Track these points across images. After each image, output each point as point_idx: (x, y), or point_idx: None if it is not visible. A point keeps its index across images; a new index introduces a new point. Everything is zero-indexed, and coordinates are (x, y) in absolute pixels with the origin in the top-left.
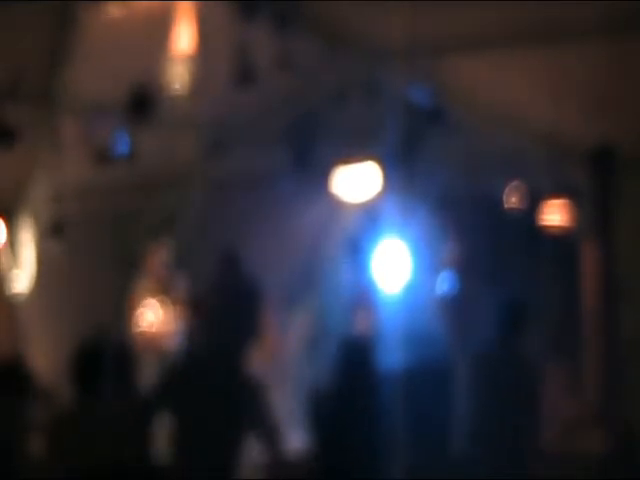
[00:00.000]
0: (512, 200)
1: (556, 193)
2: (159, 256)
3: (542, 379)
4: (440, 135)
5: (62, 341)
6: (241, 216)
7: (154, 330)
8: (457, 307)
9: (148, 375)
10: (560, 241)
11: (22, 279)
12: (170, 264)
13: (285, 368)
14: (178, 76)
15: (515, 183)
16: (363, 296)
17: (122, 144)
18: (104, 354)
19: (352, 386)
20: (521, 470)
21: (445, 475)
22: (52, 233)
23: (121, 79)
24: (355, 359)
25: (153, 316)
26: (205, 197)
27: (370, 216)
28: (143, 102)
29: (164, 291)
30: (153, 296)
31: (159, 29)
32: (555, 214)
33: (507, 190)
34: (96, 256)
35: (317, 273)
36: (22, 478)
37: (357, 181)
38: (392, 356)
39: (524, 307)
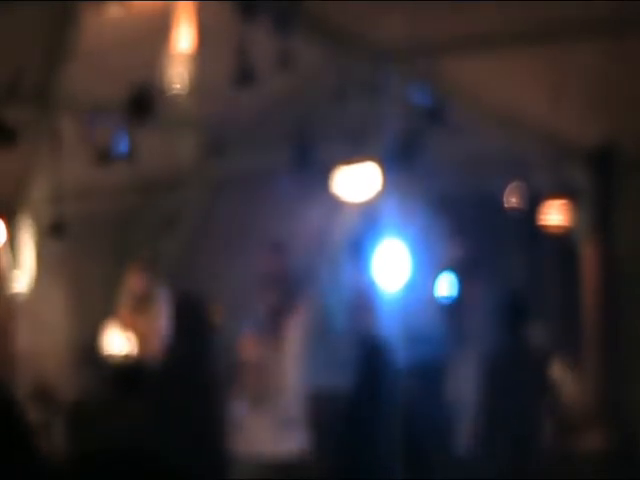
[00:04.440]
0: (512, 200)
1: (556, 193)
2: (139, 274)
3: (547, 378)
4: (440, 135)
5: (62, 341)
6: (241, 216)
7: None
8: (457, 307)
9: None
10: (560, 241)
11: (22, 279)
12: (150, 282)
13: (285, 368)
14: (178, 76)
15: (515, 183)
16: (363, 296)
17: (122, 144)
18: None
19: (368, 386)
20: (524, 469)
21: (445, 475)
22: (52, 233)
23: (121, 79)
24: (376, 359)
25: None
26: (205, 197)
27: (370, 216)
28: (143, 102)
29: (144, 309)
30: (132, 314)
31: (159, 29)
32: (555, 214)
33: (507, 190)
34: (96, 256)
35: (317, 273)
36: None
37: (357, 181)
38: (392, 356)
39: (527, 306)
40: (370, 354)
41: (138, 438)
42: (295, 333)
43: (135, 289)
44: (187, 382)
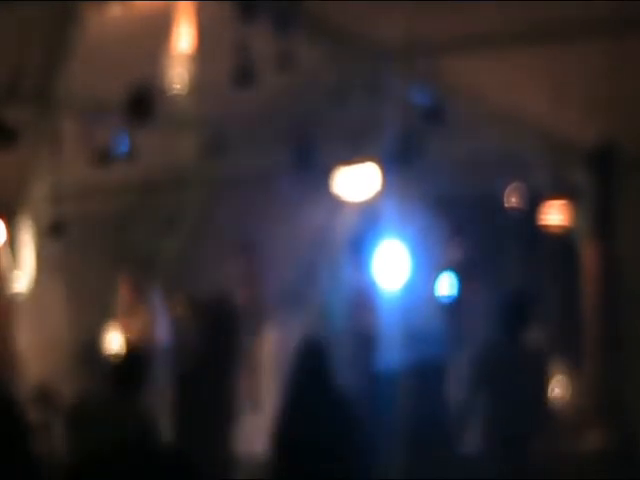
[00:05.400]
0: (512, 200)
1: (556, 193)
2: (130, 278)
3: (546, 378)
4: (440, 135)
5: (61, 340)
6: (241, 216)
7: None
8: (456, 307)
9: None
10: (560, 241)
11: (22, 279)
12: (143, 284)
13: (269, 368)
14: (178, 76)
15: (515, 183)
16: (363, 295)
17: (122, 144)
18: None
19: (308, 394)
20: (524, 469)
21: (445, 474)
22: (52, 233)
23: (121, 79)
24: (307, 365)
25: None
26: (205, 197)
27: (370, 216)
28: (143, 102)
29: (138, 311)
30: (127, 316)
31: (159, 29)
32: (555, 214)
33: (507, 190)
34: (96, 256)
35: (317, 273)
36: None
37: (357, 181)
38: (391, 355)
39: (527, 306)
40: (307, 356)
41: (138, 438)
42: (270, 333)
43: (127, 292)
44: (207, 381)
